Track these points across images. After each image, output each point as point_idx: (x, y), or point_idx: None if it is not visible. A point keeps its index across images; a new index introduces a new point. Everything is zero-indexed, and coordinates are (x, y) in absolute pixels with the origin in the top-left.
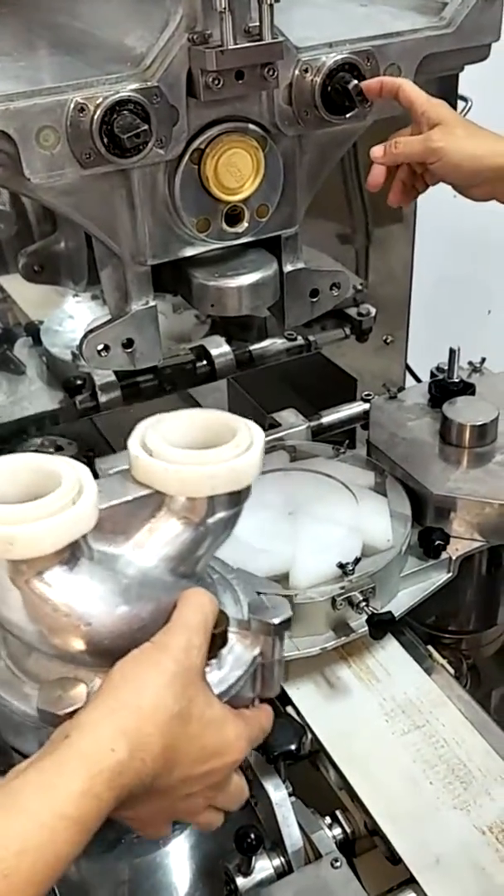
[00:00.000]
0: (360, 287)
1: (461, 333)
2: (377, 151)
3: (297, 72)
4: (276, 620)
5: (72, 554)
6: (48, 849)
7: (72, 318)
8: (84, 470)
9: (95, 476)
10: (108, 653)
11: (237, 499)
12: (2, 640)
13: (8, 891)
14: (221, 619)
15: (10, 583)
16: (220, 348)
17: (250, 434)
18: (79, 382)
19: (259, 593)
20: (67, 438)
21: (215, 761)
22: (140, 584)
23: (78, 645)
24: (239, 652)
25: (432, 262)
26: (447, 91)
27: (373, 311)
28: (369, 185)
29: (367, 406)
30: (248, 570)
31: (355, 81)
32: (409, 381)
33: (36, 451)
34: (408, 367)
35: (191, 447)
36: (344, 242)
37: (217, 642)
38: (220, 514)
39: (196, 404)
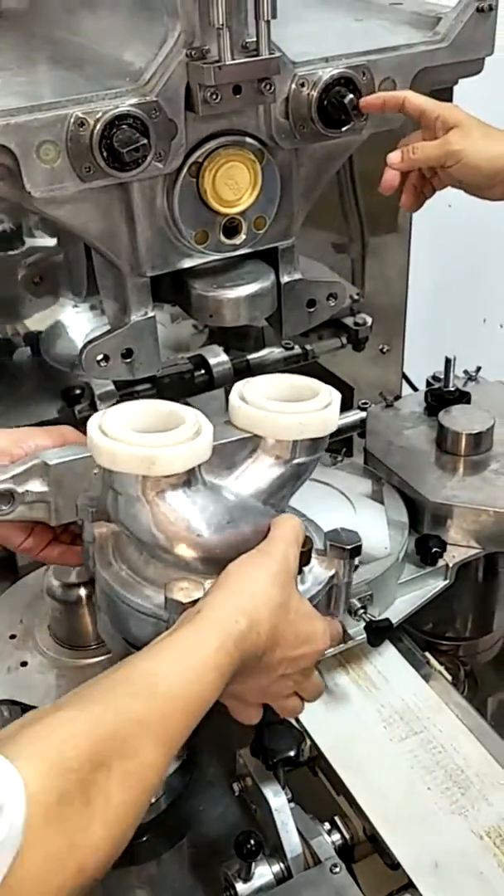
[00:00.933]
0: (356, 297)
1: (457, 342)
2: (394, 158)
3: (293, 86)
4: (350, 546)
5: (189, 479)
6: (196, 688)
7: (71, 328)
8: (200, 414)
9: None
10: (216, 561)
11: (317, 446)
12: (119, 557)
13: (177, 707)
14: (307, 540)
15: (143, 498)
16: (217, 357)
17: (330, 394)
18: (77, 392)
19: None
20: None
21: (306, 647)
22: (241, 509)
23: (191, 553)
24: (318, 572)
25: (428, 272)
26: None
27: (369, 320)
28: (382, 188)
29: (363, 415)
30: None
31: (351, 96)
32: (406, 389)
33: None
34: (404, 376)
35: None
36: (340, 253)
37: (303, 560)
38: (302, 458)
39: None
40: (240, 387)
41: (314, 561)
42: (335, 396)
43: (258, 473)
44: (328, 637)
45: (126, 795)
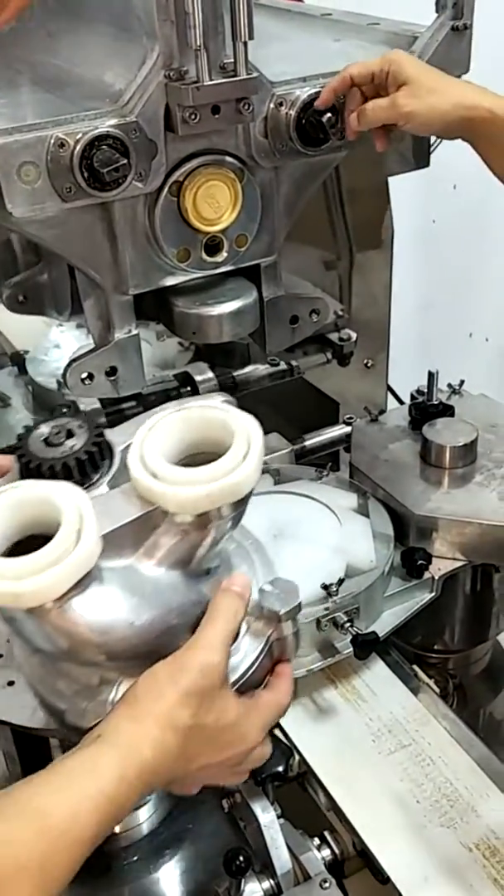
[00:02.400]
0: (341, 313)
1: (442, 356)
2: (353, 121)
3: (272, 105)
4: (284, 610)
5: (82, 583)
6: (92, 818)
7: (56, 347)
8: (81, 497)
9: (110, 451)
10: (129, 659)
11: (239, 504)
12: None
13: (63, 845)
14: None
15: (32, 617)
16: (203, 374)
17: (247, 439)
18: (64, 411)
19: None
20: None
21: (235, 748)
22: (152, 594)
23: (98, 658)
24: (250, 639)
25: (413, 287)
26: None
27: (353, 335)
28: (348, 135)
29: (348, 429)
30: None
31: (329, 114)
32: (393, 403)
33: (45, 440)
34: (390, 390)
35: (188, 450)
36: (324, 269)
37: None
38: (222, 521)
39: None
40: (139, 443)
41: (246, 625)
42: (254, 441)
43: (168, 547)
44: (260, 730)
45: None
